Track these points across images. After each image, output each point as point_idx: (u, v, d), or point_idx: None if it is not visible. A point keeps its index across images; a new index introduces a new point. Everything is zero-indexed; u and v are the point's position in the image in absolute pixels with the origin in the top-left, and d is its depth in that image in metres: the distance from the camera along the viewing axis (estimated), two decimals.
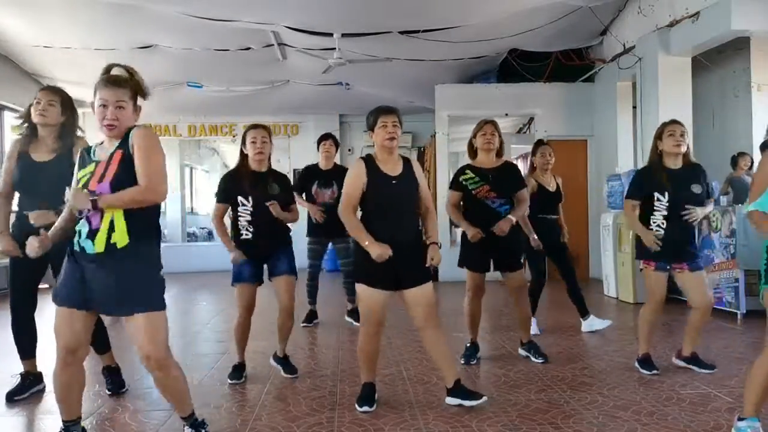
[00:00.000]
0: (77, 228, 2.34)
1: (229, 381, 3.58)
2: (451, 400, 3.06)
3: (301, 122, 10.86)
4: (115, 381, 3.42)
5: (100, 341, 3.31)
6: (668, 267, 3.59)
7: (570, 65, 8.47)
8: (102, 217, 2.28)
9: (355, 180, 3.02)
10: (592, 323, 4.90)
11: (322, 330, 5.25)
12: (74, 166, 2.45)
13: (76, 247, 2.33)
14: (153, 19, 6.36)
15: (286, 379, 3.64)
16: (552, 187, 4.84)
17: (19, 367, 3.41)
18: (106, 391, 3.37)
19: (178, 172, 11.98)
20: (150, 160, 2.29)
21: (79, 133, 3.32)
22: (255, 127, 3.56)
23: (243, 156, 3.59)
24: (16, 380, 3.38)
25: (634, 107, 7.58)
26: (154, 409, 3.14)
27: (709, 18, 5.92)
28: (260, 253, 3.57)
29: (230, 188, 3.56)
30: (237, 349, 3.68)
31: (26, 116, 3.27)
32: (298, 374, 3.70)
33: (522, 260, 4.08)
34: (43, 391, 3.40)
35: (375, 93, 9.32)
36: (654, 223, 3.57)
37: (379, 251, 2.87)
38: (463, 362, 3.91)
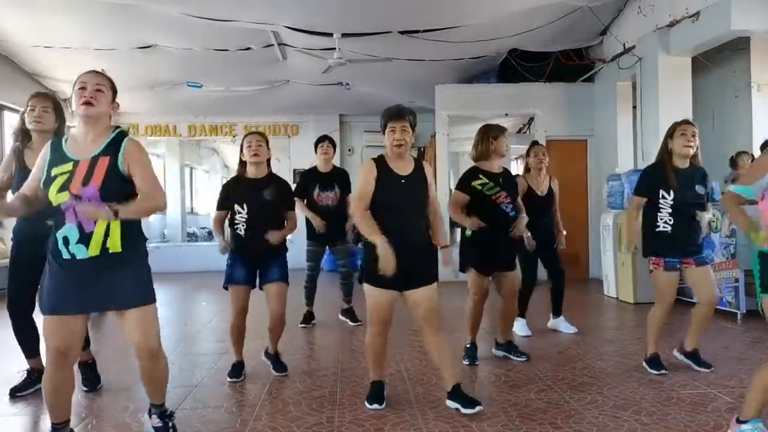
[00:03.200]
0: (61, 235, 2.31)
1: (229, 379, 3.61)
2: (450, 403, 3.05)
3: (301, 122, 10.83)
4: (89, 377, 3.44)
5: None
6: (678, 266, 3.62)
7: (570, 65, 8.46)
8: (96, 222, 2.30)
9: (367, 179, 3.03)
10: (558, 323, 4.92)
11: (321, 330, 5.25)
12: None
13: (66, 256, 2.32)
14: (153, 19, 6.36)
15: (286, 379, 3.65)
16: (542, 191, 4.75)
17: (15, 368, 3.41)
18: (83, 388, 3.38)
19: (178, 172, 11.95)
20: (152, 176, 2.44)
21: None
22: (250, 133, 3.71)
23: (242, 163, 3.72)
24: (22, 376, 3.40)
25: (634, 107, 7.58)
26: None
27: (709, 18, 5.92)
28: (254, 256, 3.59)
29: (228, 196, 3.67)
30: (234, 350, 3.72)
31: (21, 123, 3.25)
32: (287, 373, 3.71)
33: (516, 261, 4.10)
34: None
35: (375, 93, 9.32)
36: (661, 220, 3.62)
37: (388, 261, 2.83)
38: (467, 363, 3.92)
